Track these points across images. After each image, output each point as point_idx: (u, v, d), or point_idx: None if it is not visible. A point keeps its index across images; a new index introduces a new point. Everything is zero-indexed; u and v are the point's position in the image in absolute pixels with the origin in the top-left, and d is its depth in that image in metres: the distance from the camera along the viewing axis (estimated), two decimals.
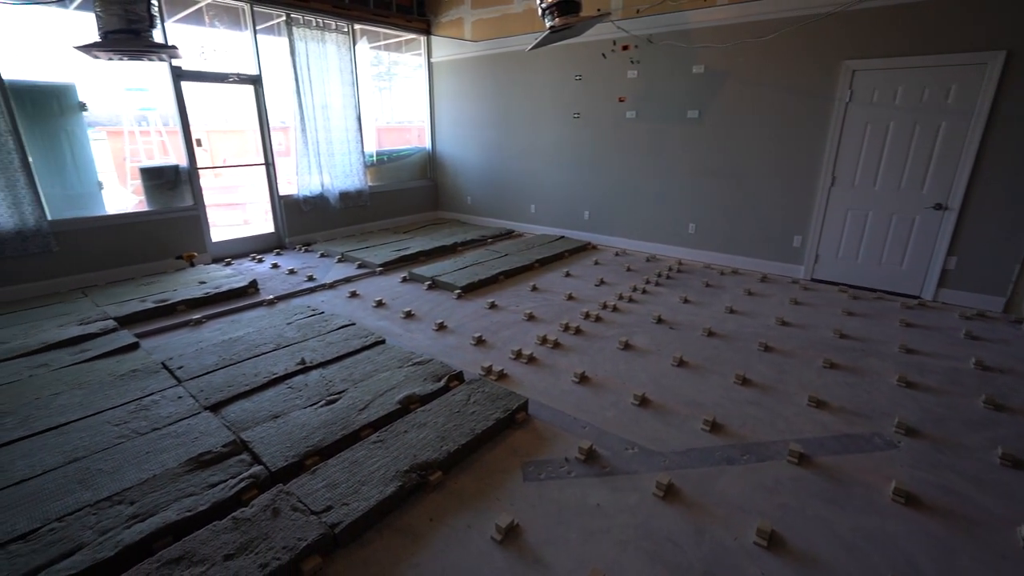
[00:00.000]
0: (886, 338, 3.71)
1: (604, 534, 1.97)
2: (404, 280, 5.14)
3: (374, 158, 7.40)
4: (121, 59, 4.26)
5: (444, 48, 7.36)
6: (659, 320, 4.03)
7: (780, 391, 3.01)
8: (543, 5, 4.36)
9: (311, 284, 4.96)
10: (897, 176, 4.42)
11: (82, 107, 4.81)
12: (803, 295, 4.64)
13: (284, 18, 5.79)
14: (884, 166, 4.47)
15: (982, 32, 3.87)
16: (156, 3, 4.08)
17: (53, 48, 4.55)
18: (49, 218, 4.56)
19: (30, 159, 4.42)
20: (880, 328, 3.89)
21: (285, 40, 5.86)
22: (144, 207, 5.34)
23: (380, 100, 7.70)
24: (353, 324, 3.81)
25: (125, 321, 3.94)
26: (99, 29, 3.89)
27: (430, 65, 7.64)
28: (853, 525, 2.02)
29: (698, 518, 2.05)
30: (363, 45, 7.02)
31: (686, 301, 4.47)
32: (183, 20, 5.37)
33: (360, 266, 5.59)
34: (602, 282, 5.00)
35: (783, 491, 2.20)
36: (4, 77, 4.20)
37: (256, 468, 2.18)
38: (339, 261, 5.81)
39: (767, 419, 2.73)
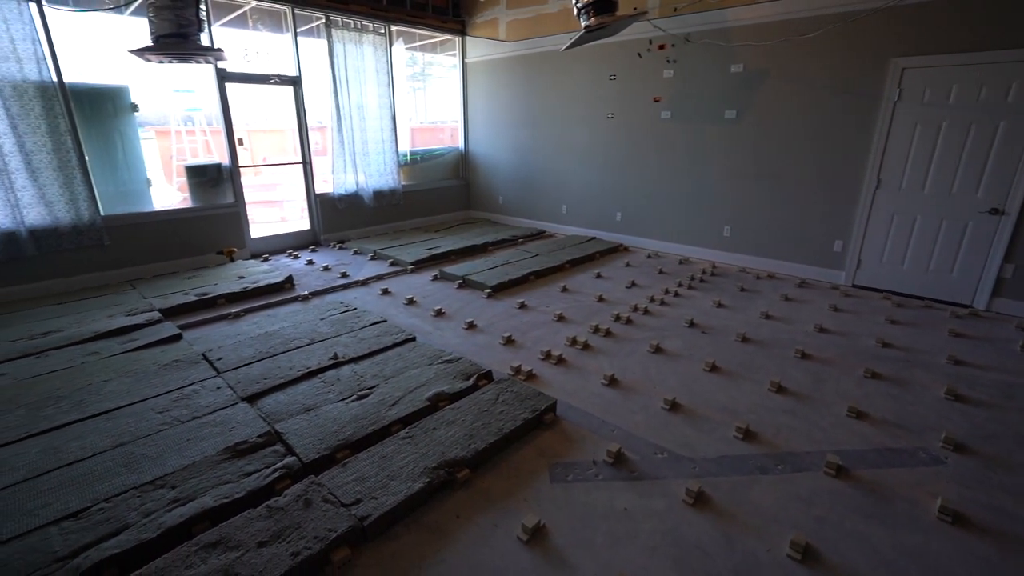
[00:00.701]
0: (933, 348, 3.54)
1: (631, 539, 1.95)
2: (435, 279, 5.20)
3: (407, 157, 7.50)
4: (171, 62, 4.45)
5: (478, 48, 7.40)
6: (691, 324, 3.95)
7: (817, 400, 2.91)
8: (579, 5, 4.34)
9: (344, 281, 5.07)
10: (948, 179, 4.22)
11: (134, 108, 5.05)
12: (844, 302, 4.47)
13: (324, 20, 5.93)
14: (935, 168, 4.26)
15: None
16: (204, 8, 4.24)
17: (109, 52, 4.78)
18: (102, 213, 4.80)
19: (86, 157, 4.66)
20: (927, 338, 3.72)
21: (324, 42, 6.00)
22: (188, 204, 5.56)
23: (414, 100, 7.81)
24: (384, 321, 3.87)
25: (169, 313, 4.11)
26: (151, 33, 4.07)
27: (464, 65, 7.70)
28: (894, 542, 1.93)
29: (729, 527, 2.00)
30: (399, 46, 7.13)
31: (720, 305, 4.37)
32: (228, 24, 5.57)
33: (392, 264, 5.68)
34: (633, 284, 4.94)
35: (819, 503, 2.13)
36: (65, 80, 4.44)
37: (289, 459, 2.24)
38: (372, 259, 5.92)
39: (803, 429, 2.64)
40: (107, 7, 4.59)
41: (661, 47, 5.57)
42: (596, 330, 3.83)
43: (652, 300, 4.49)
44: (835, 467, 2.29)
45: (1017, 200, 3.93)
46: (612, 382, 3.10)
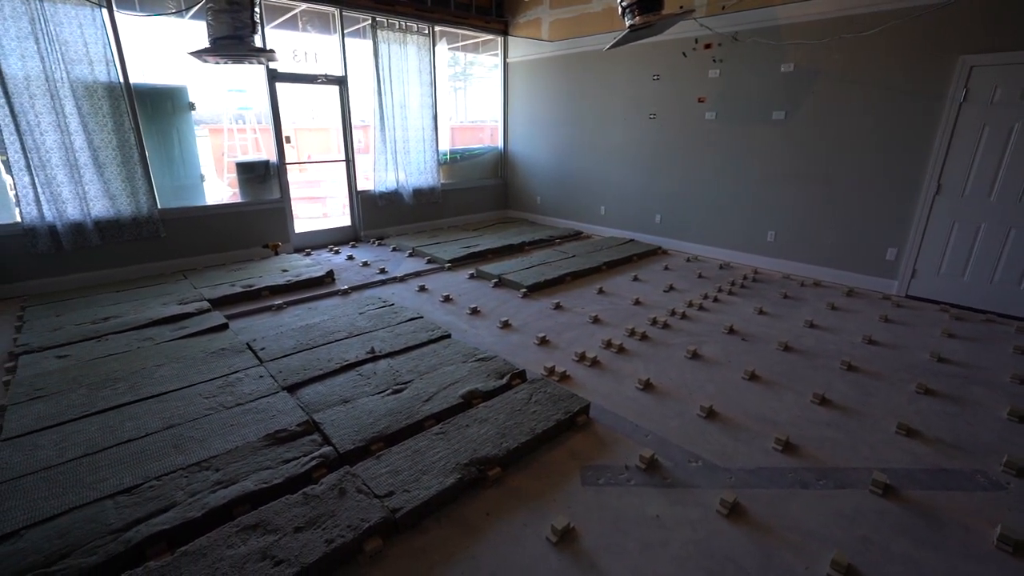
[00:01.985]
0: (995, 366, 3.32)
1: (662, 547, 1.91)
2: (471, 277, 5.24)
3: (447, 156, 7.59)
4: (226, 63, 4.65)
5: (520, 48, 7.41)
6: (731, 330, 3.84)
7: (864, 415, 2.78)
8: (623, 3, 4.28)
9: (383, 277, 5.17)
10: (1018, 185, 3.95)
11: (191, 107, 5.30)
12: (896, 312, 4.25)
13: (370, 22, 6.07)
14: (1004, 174, 4.00)
15: None
16: (259, 11, 4.41)
17: (169, 54, 5.04)
18: (159, 207, 5.06)
19: (147, 153, 4.93)
20: (988, 354, 3.49)
21: (369, 42, 6.14)
22: (238, 199, 5.80)
23: (455, 99, 7.89)
24: (421, 317, 3.93)
25: (217, 303, 4.30)
26: (209, 36, 4.26)
27: (506, 65, 7.72)
28: (947, 570, 1.82)
29: (765, 541, 1.94)
30: (442, 46, 7.22)
31: (761, 312, 4.23)
32: (279, 26, 5.78)
33: (430, 261, 5.76)
34: (671, 288, 4.84)
35: (864, 523, 2.03)
36: (130, 81, 4.70)
37: (326, 449, 2.30)
38: (410, 255, 6.02)
39: (848, 443, 2.53)
40: (170, 11, 4.84)
41: (707, 46, 5.44)
42: (632, 333, 3.77)
43: (690, 305, 4.39)
44: (882, 486, 2.18)
45: None
46: (647, 387, 3.05)
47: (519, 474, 2.30)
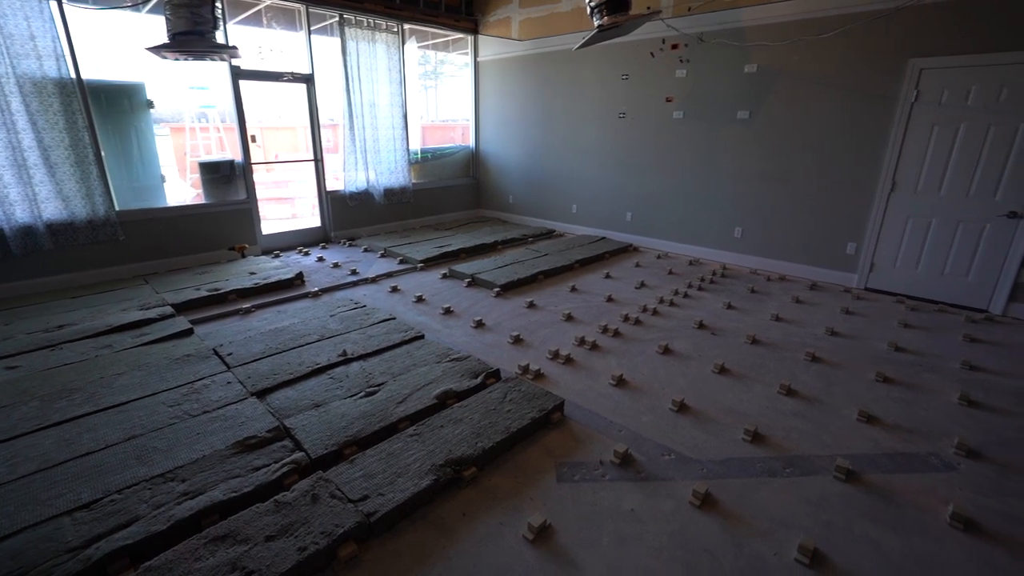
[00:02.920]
0: (947, 353, 3.49)
1: (637, 540, 1.94)
2: (444, 277, 5.21)
3: (418, 156, 7.52)
4: (186, 59, 4.50)
5: (490, 47, 7.40)
6: (700, 325, 3.93)
7: (827, 404, 2.88)
8: (592, 4, 4.32)
9: (354, 278, 5.10)
10: (966, 182, 4.15)
11: (150, 104, 5.11)
12: (856, 305, 4.42)
13: (338, 19, 5.96)
14: (951, 171, 4.20)
15: None
16: (220, 6, 4.28)
17: (126, 49, 4.84)
18: (117, 209, 4.86)
19: (102, 153, 4.72)
20: (941, 342, 3.66)
21: (337, 40, 6.03)
22: (202, 200, 5.62)
23: (426, 98, 7.83)
24: (393, 318, 3.89)
25: (181, 308, 4.16)
26: (168, 31, 4.12)
27: (476, 64, 7.70)
28: (904, 549, 1.91)
29: (736, 530, 1.99)
30: (411, 45, 7.15)
31: (729, 307, 4.34)
32: (243, 22, 5.62)
33: (402, 262, 5.70)
34: (643, 285, 4.92)
35: (828, 508, 2.10)
36: (83, 77, 4.50)
37: (298, 454, 2.26)
38: (382, 256, 5.95)
39: (812, 432, 2.62)
40: (125, 5, 4.65)
41: (674, 47, 5.54)
42: (605, 330, 3.82)
43: (661, 301, 4.46)
44: (845, 471, 2.27)
45: None
46: (620, 382, 3.09)
47: (495, 473, 2.30)
